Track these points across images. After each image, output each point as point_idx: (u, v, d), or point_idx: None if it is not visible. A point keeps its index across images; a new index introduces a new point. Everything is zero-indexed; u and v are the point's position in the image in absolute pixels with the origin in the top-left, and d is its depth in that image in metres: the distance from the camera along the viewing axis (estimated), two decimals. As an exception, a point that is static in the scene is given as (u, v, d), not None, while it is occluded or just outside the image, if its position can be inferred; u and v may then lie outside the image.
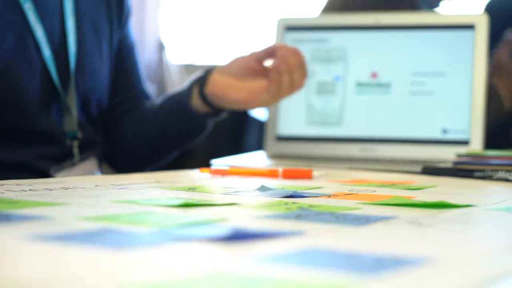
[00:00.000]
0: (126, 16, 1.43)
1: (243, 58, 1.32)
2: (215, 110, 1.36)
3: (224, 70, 1.33)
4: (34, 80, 1.21)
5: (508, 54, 1.83)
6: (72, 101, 1.26)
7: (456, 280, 0.42)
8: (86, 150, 1.29)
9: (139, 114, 1.41)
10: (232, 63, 1.33)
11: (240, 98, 1.32)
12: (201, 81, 1.34)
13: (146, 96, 1.44)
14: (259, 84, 1.30)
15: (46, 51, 1.22)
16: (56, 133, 1.24)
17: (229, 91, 1.32)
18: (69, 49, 1.26)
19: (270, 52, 1.30)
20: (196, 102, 1.35)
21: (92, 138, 1.32)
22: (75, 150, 1.27)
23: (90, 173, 1.27)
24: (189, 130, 1.39)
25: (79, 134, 1.27)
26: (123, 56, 1.41)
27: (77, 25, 1.29)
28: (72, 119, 1.26)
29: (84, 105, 1.30)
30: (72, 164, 1.26)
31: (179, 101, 1.37)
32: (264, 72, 1.30)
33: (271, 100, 1.32)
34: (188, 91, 1.36)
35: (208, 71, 1.35)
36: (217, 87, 1.33)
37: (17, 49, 1.19)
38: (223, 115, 1.39)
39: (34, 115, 1.21)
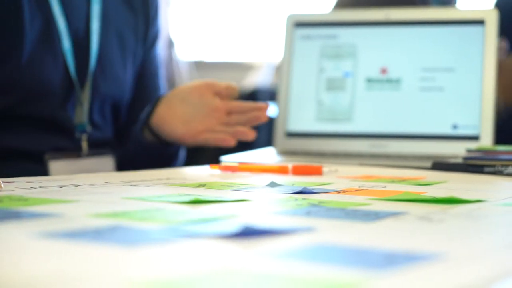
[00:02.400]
0: (153, 37, 1.43)
1: (201, 85, 1.28)
2: (164, 141, 1.30)
3: (173, 97, 1.29)
4: (55, 71, 1.23)
5: (501, 53, 1.82)
6: (86, 97, 1.27)
7: (467, 276, 0.42)
8: (99, 148, 1.30)
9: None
10: (187, 88, 1.29)
11: (177, 132, 1.27)
12: (151, 110, 1.30)
13: None
14: (206, 122, 1.26)
15: (66, 43, 1.24)
16: (68, 125, 1.25)
17: (170, 122, 1.27)
18: (91, 48, 1.28)
19: (230, 94, 1.28)
20: (145, 132, 1.31)
21: (107, 139, 1.33)
22: (84, 144, 1.27)
23: (103, 170, 1.27)
24: (153, 159, 1.32)
25: (89, 128, 1.28)
26: (144, 83, 1.41)
27: (101, 29, 1.30)
28: (83, 113, 1.27)
29: (102, 105, 1.31)
30: (78, 156, 1.26)
31: (135, 131, 1.33)
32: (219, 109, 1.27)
33: (214, 142, 1.27)
34: (142, 121, 1.31)
35: (158, 99, 1.31)
36: (159, 117, 1.28)
37: (42, 39, 1.21)
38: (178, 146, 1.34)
39: (52, 105, 1.23)
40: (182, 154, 1.38)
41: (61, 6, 1.23)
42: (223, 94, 1.28)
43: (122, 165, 1.33)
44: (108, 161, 1.31)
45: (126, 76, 1.36)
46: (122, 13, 1.36)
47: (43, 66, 1.21)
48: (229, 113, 1.27)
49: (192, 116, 1.27)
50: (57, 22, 1.23)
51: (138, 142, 1.31)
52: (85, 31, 1.28)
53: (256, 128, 1.30)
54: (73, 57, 1.25)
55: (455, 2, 1.98)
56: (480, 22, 1.44)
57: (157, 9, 1.44)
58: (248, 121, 1.28)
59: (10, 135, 1.21)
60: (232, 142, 1.26)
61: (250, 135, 1.27)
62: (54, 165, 1.23)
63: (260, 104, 1.29)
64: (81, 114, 1.27)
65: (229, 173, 1.07)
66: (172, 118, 1.27)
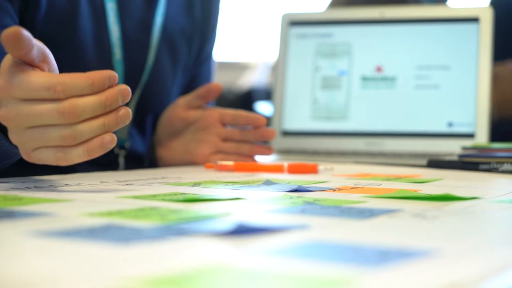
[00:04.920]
0: (208, 52, 1.39)
1: (172, 112, 1.25)
2: None
3: (164, 136, 1.26)
4: None
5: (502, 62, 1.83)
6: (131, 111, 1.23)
7: (460, 272, 0.42)
8: (133, 162, 1.26)
9: None
10: (167, 119, 1.26)
11: (189, 162, 1.23)
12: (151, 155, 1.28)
13: None
14: (209, 142, 1.23)
15: (117, 54, 1.19)
16: None
17: (176, 160, 1.25)
18: (147, 61, 1.24)
19: (203, 96, 1.23)
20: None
21: (140, 152, 1.28)
22: (121, 160, 1.23)
23: None
24: None
25: (127, 145, 1.24)
26: None
27: (159, 41, 1.26)
28: (124, 128, 1.22)
29: (143, 119, 1.27)
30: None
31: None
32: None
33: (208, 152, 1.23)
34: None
35: (152, 142, 1.28)
36: (164, 161, 1.26)
37: (93, 48, 1.16)
38: None
39: None
40: None
41: (118, 15, 1.18)
42: (196, 104, 1.24)
43: None
44: None
45: (175, 90, 1.32)
46: (180, 23, 1.31)
47: None
48: (223, 122, 1.23)
49: (191, 143, 1.24)
50: (110, 31, 1.18)
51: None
52: (140, 41, 1.23)
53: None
54: (123, 69, 1.20)
55: (446, 0, 1.98)
56: (475, 20, 1.45)
57: (216, 22, 1.39)
58: (256, 143, 1.24)
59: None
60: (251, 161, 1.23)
61: (268, 151, 1.24)
62: None
63: (256, 116, 1.23)
64: (122, 129, 1.22)
65: (224, 172, 1.07)
66: (176, 156, 1.25)
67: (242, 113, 1.23)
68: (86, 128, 0.74)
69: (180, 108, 1.24)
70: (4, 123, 0.75)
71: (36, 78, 0.73)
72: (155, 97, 1.27)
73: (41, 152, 0.76)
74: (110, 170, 1.21)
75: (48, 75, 0.74)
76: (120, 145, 1.23)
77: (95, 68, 1.09)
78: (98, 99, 0.74)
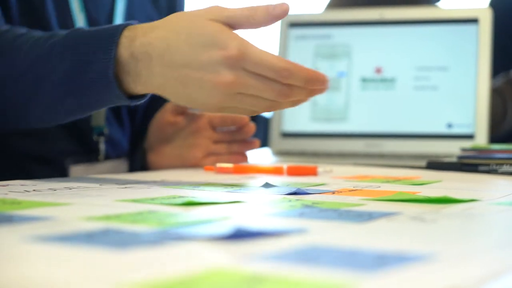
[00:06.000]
0: None
1: (161, 117, 1.26)
2: None
3: (154, 142, 1.27)
4: None
5: None
6: None
7: (458, 276, 0.42)
8: (113, 148, 1.27)
9: None
10: (157, 126, 1.27)
11: (180, 167, 1.23)
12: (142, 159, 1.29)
13: None
14: (201, 145, 1.23)
15: None
16: (85, 127, 1.21)
17: (167, 165, 1.24)
18: None
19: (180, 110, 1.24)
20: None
21: (119, 139, 1.29)
22: (101, 146, 1.24)
23: (117, 172, 1.25)
24: None
25: (106, 131, 1.24)
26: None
27: None
28: (100, 114, 1.22)
29: (118, 107, 1.27)
30: (97, 160, 1.24)
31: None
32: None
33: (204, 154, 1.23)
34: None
35: (142, 147, 1.29)
36: (155, 166, 1.26)
37: None
38: None
39: None
40: None
41: (82, 3, 1.19)
42: (183, 108, 1.24)
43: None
44: (122, 163, 1.29)
45: None
46: (147, 11, 1.32)
47: None
48: (213, 125, 1.23)
49: (183, 147, 1.24)
50: (74, 19, 1.18)
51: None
52: None
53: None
54: None
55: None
56: (474, 21, 1.45)
57: (182, 10, 1.40)
58: (242, 137, 1.25)
59: (25, 138, 1.17)
60: (245, 159, 1.24)
61: (256, 144, 1.26)
62: (74, 170, 1.20)
63: (238, 116, 1.24)
64: (99, 116, 1.23)
65: (224, 175, 1.07)
66: (168, 161, 1.24)
67: (227, 115, 1.24)
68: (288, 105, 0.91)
69: (168, 113, 1.25)
70: (227, 87, 0.84)
71: (267, 57, 0.84)
72: None
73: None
74: (92, 157, 1.21)
75: (277, 58, 0.85)
76: (98, 132, 1.24)
77: None
78: (307, 94, 0.88)
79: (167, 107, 1.26)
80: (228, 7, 0.87)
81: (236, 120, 1.24)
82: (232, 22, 0.87)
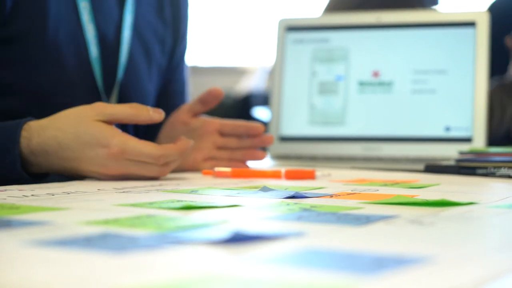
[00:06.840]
0: (181, 54, 1.41)
1: (175, 116, 1.28)
2: None
3: (162, 139, 1.30)
4: (80, 79, 1.20)
5: None
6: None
7: (456, 279, 0.42)
8: None
9: None
10: (164, 127, 1.30)
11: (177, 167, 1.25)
12: None
13: None
14: (203, 149, 1.23)
15: (94, 52, 1.21)
16: None
17: None
18: (120, 58, 1.26)
19: (204, 100, 1.25)
20: None
21: None
22: None
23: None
24: None
25: None
26: (169, 102, 1.39)
27: (131, 39, 1.28)
28: None
29: None
30: None
31: None
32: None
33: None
34: None
35: None
36: None
37: (68, 46, 1.19)
38: None
39: None
40: None
41: (92, 13, 1.21)
42: (199, 110, 1.25)
43: None
44: None
45: (151, 89, 1.34)
46: (152, 23, 1.34)
47: (69, 74, 1.19)
48: (222, 132, 1.24)
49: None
50: (84, 30, 1.20)
51: None
52: (115, 40, 1.26)
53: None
54: (100, 66, 1.22)
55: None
56: (471, 24, 1.45)
57: (186, 26, 1.42)
58: (250, 149, 1.24)
59: None
60: (245, 168, 1.23)
61: (261, 155, 1.25)
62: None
63: (254, 124, 1.24)
64: None
65: (222, 179, 1.07)
66: None
67: (241, 122, 1.24)
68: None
69: (183, 113, 1.27)
70: (114, 176, 1.01)
71: (145, 149, 1.00)
72: (132, 95, 1.29)
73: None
74: None
75: (154, 147, 1.01)
76: None
77: (72, 67, 1.13)
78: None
79: (183, 107, 1.28)
80: (111, 105, 1.03)
81: (250, 128, 1.24)
82: (114, 119, 1.01)
